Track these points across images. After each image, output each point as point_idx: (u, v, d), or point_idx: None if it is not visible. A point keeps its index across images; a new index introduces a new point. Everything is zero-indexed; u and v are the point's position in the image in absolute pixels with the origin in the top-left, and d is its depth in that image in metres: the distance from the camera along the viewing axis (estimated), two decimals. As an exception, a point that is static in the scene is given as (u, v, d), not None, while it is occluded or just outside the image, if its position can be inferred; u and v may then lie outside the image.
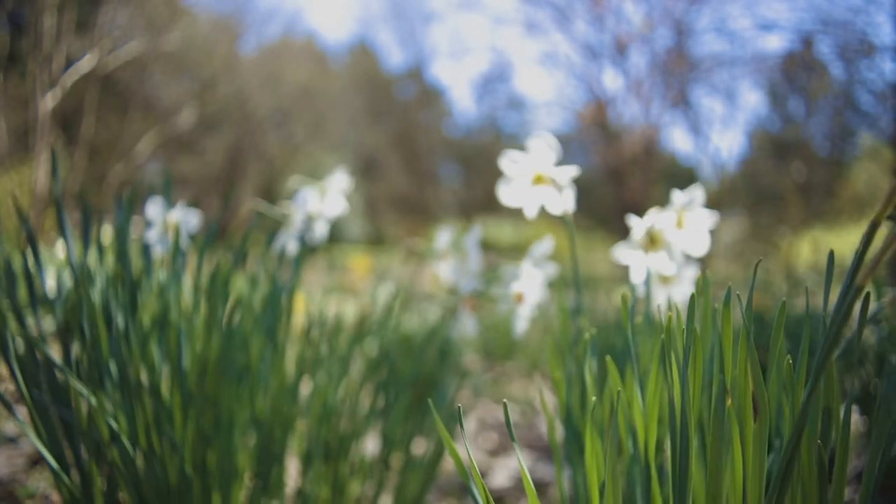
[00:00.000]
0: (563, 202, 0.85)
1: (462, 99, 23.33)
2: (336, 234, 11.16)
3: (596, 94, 7.82)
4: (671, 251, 0.82)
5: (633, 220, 0.82)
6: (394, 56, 22.34)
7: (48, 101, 5.24)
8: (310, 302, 1.04)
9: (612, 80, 7.87)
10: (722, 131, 7.10)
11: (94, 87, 6.28)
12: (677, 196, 0.82)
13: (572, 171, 0.86)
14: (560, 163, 0.89)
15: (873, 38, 3.64)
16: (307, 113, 10.96)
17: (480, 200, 12.28)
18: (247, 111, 9.92)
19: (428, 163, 13.24)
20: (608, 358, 0.57)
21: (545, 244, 0.97)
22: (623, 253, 0.83)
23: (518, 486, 1.31)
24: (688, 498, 0.47)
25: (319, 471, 0.87)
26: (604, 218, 9.19)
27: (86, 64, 5.99)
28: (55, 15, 5.41)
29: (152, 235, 0.86)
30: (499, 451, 1.58)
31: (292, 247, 0.98)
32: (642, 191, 7.40)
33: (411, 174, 12.82)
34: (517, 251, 7.40)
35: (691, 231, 0.82)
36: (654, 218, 0.82)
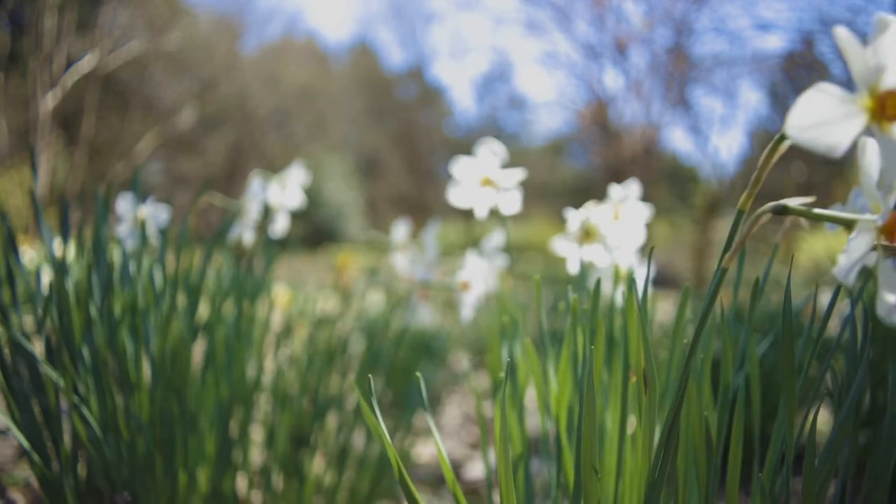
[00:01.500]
0: (509, 203, 0.92)
1: (463, 99, 23.35)
2: (337, 233, 11.17)
3: (596, 93, 7.82)
4: (605, 244, 0.87)
5: (569, 213, 0.87)
6: (394, 56, 22.35)
7: (49, 101, 5.25)
8: (295, 297, 1.07)
9: (612, 80, 7.88)
10: (722, 131, 7.10)
11: (94, 87, 6.29)
12: (614, 190, 0.88)
13: (517, 174, 0.93)
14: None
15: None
16: (308, 113, 10.96)
17: (481, 200, 12.23)
18: (247, 111, 9.92)
19: (428, 162, 13.24)
20: (527, 340, 0.61)
21: (496, 238, 1.03)
22: (560, 245, 0.88)
23: (493, 479, 1.32)
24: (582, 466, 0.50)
25: (279, 453, 0.90)
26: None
27: (86, 64, 5.99)
28: (56, 15, 5.41)
29: (123, 230, 0.89)
30: (479, 444, 1.59)
31: (248, 237, 1.02)
32: (642, 191, 7.38)
33: (412, 174, 12.82)
34: (517, 251, 7.41)
35: (627, 224, 0.88)
36: (589, 211, 0.87)
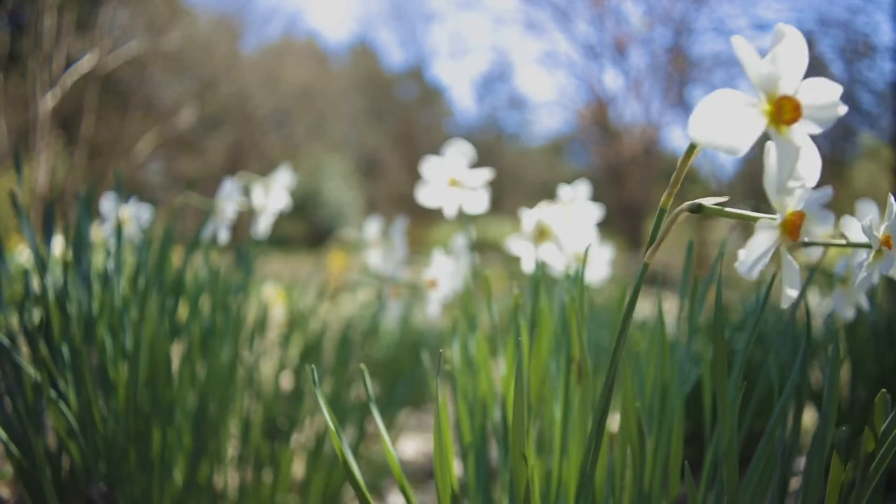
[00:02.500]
0: (476, 203, 0.96)
1: (463, 98, 23.36)
2: (337, 233, 11.16)
3: (596, 93, 7.82)
4: (558, 242, 0.90)
5: (523, 213, 0.90)
6: (394, 56, 22.35)
7: (48, 101, 5.25)
8: (289, 295, 1.10)
9: (612, 80, 7.88)
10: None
11: (94, 87, 6.29)
12: (564, 191, 0.92)
13: (485, 174, 0.95)
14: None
15: (872, 37, 3.63)
16: (308, 113, 10.96)
17: (481, 200, 12.23)
18: (247, 111, 9.92)
19: (428, 162, 13.23)
20: (478, 335, 0.65)
21: (462, 238, 1.05)
22: (515, 244, 0.91)
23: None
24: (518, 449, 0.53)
25: (253, 446, 0.92)
26: (603, 218, 9.18)
27: (86, 64, 5.99)
28: (55, 15, 5.41)
29: (107, 229, 0.92)
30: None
31: (223, 236, 1.03)
32: (642, 191, 7.39)
33: (412, 174, 12.81)
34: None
35: (577, 224, 0.92)
36: (542, 211, 0.90)
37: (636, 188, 7.44)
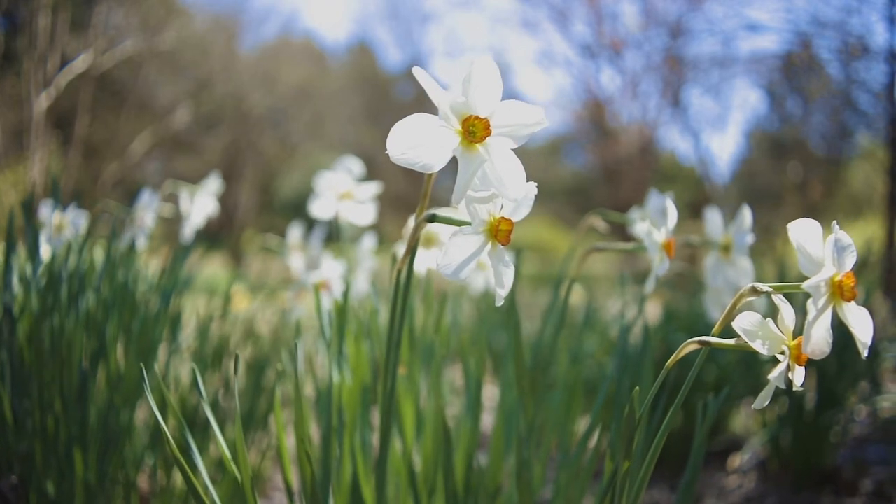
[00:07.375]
0: (364, 215, 1.02)
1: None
2: (334, 233, 11.15)
3: (593, 93, 7.82)
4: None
5: (410, 220, 0.95)
6: (392, 56, 22.35)
7: (43, 101, 5.23)
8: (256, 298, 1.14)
9: (609, 80, 7.88)
10: (716, 131, 7.08)
11: (89, 87, 6.27)
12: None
13: (373, 188, 1.02)
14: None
15: (867, 38, 3.63)
16: (305, 112, 10.93)
17: (478, 200, 12.20)
18: (244, 110, 9.89)
19: (425, 162, 13.21)
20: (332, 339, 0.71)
21: (367, 241, 1.10)
22: (400, 250, 0.96)
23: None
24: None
25: (165, 443, 0.94)
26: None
27: (81, 63, 5.97)
28: (50, 14, 5.39)
29: (45, 234, 0.96)
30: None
31: (142, 242, 1.06)
32: (638, 190, 7.39)
33: (409, 173, 12.80)
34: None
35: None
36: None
37: (632, 188, 7.43)
